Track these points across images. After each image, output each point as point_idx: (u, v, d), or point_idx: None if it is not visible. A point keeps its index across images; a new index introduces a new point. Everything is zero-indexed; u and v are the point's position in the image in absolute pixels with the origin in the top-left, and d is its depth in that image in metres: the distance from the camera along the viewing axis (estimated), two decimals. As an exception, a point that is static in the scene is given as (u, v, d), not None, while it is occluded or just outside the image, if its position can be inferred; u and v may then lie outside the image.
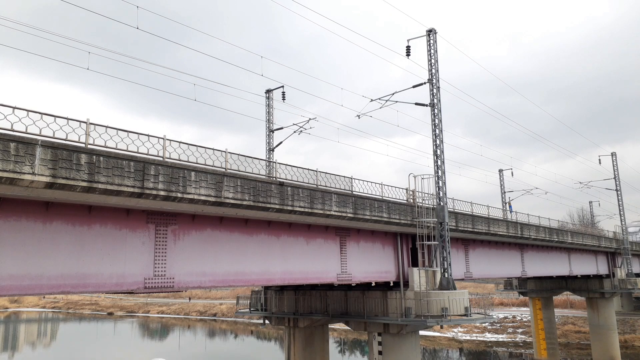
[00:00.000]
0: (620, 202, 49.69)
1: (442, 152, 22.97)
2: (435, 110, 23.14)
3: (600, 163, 50.50)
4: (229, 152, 15.35)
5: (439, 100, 23.25)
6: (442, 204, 22.29)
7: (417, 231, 21.98)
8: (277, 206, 15.63)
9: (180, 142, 14.26)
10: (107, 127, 12.56)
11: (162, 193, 12.66)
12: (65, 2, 14.73)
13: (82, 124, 12.09)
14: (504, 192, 46.54)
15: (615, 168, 50.03)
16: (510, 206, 34.74)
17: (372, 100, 25.43)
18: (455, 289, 21.69)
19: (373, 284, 24.72)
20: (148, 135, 13.55)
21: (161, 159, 13.20)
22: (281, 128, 28.62)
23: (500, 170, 47.85)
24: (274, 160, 16.82)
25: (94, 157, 11.40)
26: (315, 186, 17.52)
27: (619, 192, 49.67)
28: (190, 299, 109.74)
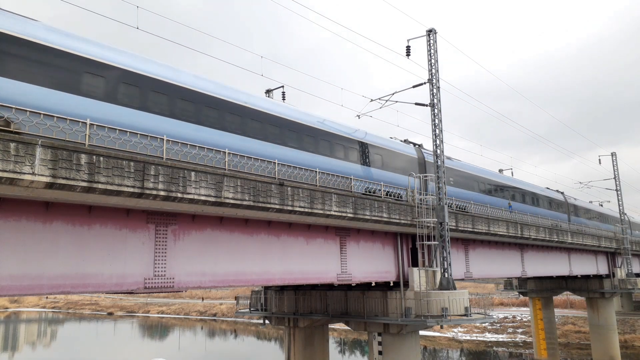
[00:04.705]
0: (620, 202, 49.70)
1: (442, 152, 22.97)
2: (435, 110, 23.13)
3: (600, 163, 50.52)
4: (229, 152, 15.37)
5: (439, 100, 23.25)
6: (442, 204, 22.30)
7: (417, 231, 21.98)
8: (277, 206, 15.63)
9: (180, 142, 14.29)
10: (107, 127, 12.57)
11: (162, 193, 12.66)
12: (67, 3, 14.71)
13: (82, 124, 12.11)
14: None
15: (615, 168, 50.03)
16: (510, 206, 34.69)
17: (372, 100, 25.43)
18: (455, 289, 21.69)
19: (373, 284, 24.71)
20: (148, 136, 13.58)
21: (161, 159, 13.20)
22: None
23: (500, 170, 47.84)
24: (274, 161, 16.82)
25: (94, 157, 11.40)
26: (315, 186, 17.53)
27: (619, 192, 49.67)
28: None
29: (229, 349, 64.62)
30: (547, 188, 45.85)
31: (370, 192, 21.26)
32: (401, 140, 27.69)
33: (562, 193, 47.31)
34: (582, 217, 48.27)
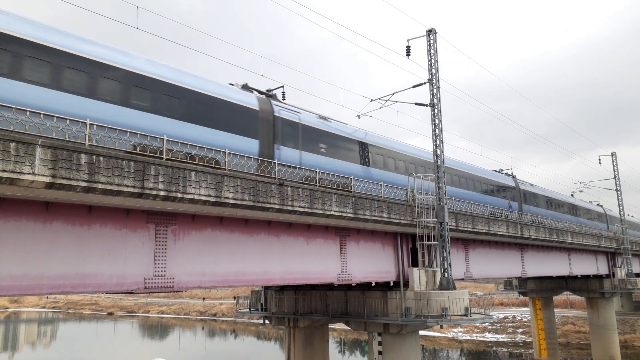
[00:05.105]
0: (620, 202, 49.69)
1: (442, 152, 22.97)
2: (435, 110, 23.13)
3: (600, 163, 50.52)
4: (229, 152, 15.37)
5: (439, 100, 23.25)
6: (442, 204, 22.30)
7: (417, 231, 21.98)
8: (277, 206, 15.63)
9: (180, 142, 14.29)
10: (107, 127, 12.58)
11: (162, 193, 12.66)
12: (67, 3, 14.71)
13: (82, 124, 12.11)
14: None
15: (615, 168, 50.02)
16: (510, 206, 34.70)
17: (372, 100, 25.44)
18: (455, 289, 21.70)
19: (373, 284, 24.72)
20: (148, 136, 13.58)
21: (161, 159, 13.20)
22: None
23: (500, 170, 47.85)
24: (274, 161, 16.82)
25: (94, 157, 11.40)
26: (315, 186, 17.53)
27: (619, 192, 49.66)
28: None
29: (229, 349, 64.61)
30: (496, 171, 38.58)
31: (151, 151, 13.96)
32: (241, 87, 19.72)
33: (513, 177, 40.07)
34: (540, 207, 41.17)
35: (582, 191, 55.20)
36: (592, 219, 52.24)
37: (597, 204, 57.10)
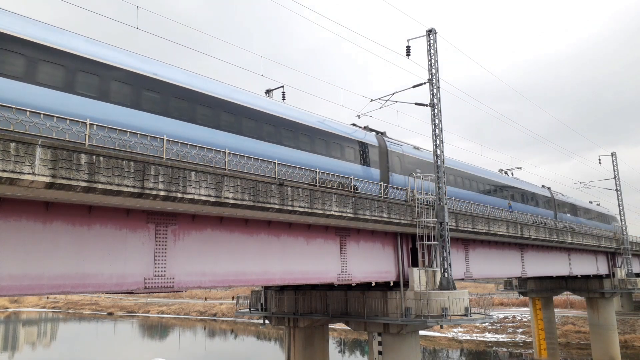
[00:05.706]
0: (620, 202, 49.68)
1: (442, 152, 22.96)
2: (435, 110, 23.13)
3: (600, 163, 50.53)
4: (229, 152, 15.37)
5: (439, 100, 23.24)
6: (442, 204, 22.29)
7: (417, 231, 21.98)
8: (277, 206, 15.63)
9: (180, 142, 14.29)
10: (107, 127, 12.58)
11: (162, 193, 12.66)
12: (67, 4, 14.71)
13: (82, 124, 12.11)
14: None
15: (615, 168, 50.02)
16: (510, 206, 34.71)
17: (372, 100, 25.44)
18: (455, 289, 21.69)
19: (373, 284, 24.72)
20: (148, 136, 13.58)
21: (161, 159, 13.20)
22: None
23: (501, 170, 47.82)
24: (274, 161, 16.82)
25: (94, 157, 11.39)
26: (315, 186, 17.52)
27: (619, 192, 49.66)
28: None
29: (229, 349, 64.60)
30: (355, 125, 25.38)
31: None
32: None
33: (381, 133, 26.10)
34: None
35: (521, 168, 45.92)
36: (533, 204, 40.45)
37: (542, 186, 46.29)
